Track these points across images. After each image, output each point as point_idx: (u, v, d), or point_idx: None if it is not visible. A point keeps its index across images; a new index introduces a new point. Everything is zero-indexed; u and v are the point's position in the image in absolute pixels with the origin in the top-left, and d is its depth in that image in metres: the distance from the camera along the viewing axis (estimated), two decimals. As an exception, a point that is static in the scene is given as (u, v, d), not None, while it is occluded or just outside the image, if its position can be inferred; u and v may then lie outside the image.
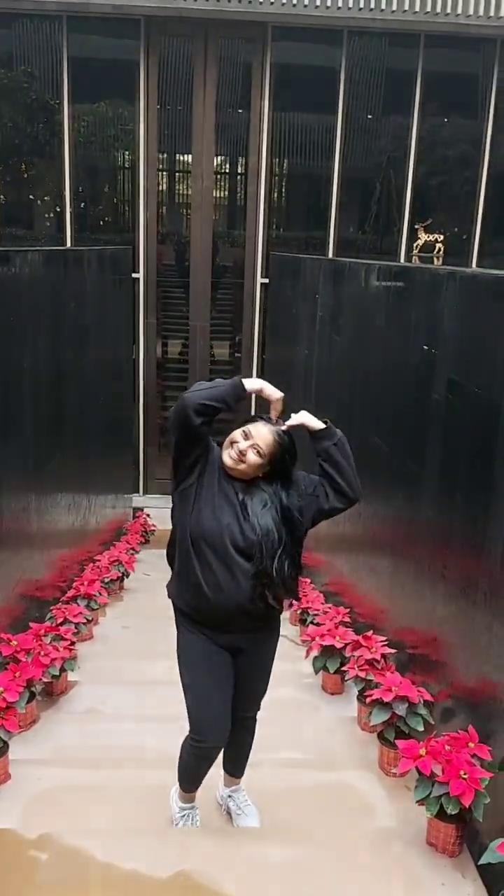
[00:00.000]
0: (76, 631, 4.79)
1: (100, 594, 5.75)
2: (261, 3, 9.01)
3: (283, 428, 2.61)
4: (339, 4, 9.06)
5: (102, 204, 11.36)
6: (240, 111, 10.33)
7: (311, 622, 5.11)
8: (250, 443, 2.56)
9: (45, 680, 3.90)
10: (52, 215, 10.86)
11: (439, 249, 9.69)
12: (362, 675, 3.78)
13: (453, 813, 2.70)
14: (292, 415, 2.66)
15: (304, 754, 3.65)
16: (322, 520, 2.72)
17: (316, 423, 2.69)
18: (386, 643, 3.91)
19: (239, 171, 11.13)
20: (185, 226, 11.04)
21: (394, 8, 9.14)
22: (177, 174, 11.45)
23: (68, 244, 10.36)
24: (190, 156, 10.47)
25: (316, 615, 5.14)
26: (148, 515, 9.67)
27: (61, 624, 4.74)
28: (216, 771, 3.02)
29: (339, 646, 4.18)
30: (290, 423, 2.63)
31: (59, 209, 10.56)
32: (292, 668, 4.81)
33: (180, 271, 11.04)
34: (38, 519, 4.89)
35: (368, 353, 4.89)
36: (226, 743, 2.85)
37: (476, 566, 2.93)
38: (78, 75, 9.97)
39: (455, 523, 3.20)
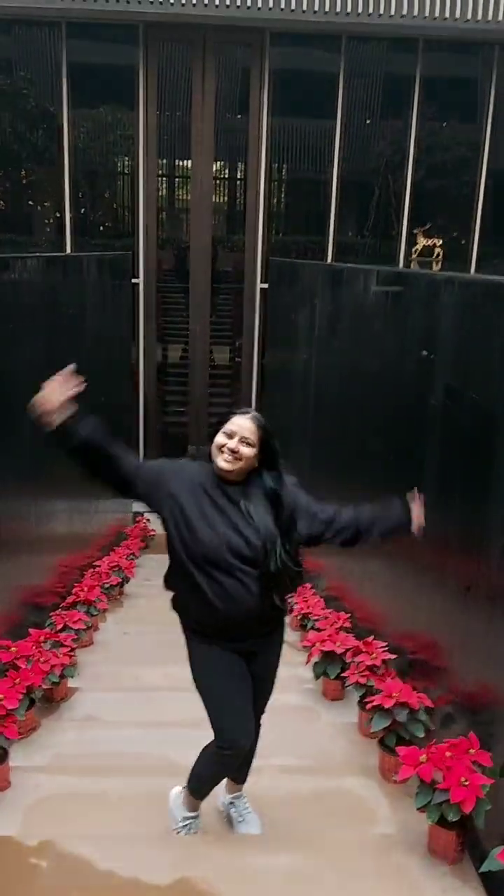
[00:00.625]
0: (76, 637, 4.78)
1: (99, 600, 5.73)
2: (259, 9, 9.03)
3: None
4: (338, 9, 9.09)
5: (102, 210, 11.39)
6: (239, 116, 10.35)
7: (312, 627, 5.10)
8: (237, 437, 2.55)
9: (44, 686, 3.89)
10: (51, 221, 10.89)
11: (438, 254, 9.71)
12: (363, 681, 3.78)
13: (454, 820, 2.69)
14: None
15: (304, 760, 3.64)
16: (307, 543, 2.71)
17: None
18: (386, 649, 3.90)
19: (238, 176, 11.16)
20: (185, 231, 11.06)
21: (392, 13, 9.16)
22: (176, 180, 11.48)
23: (68, 250, 10.37)
24: (189, 161, 10.49)
25: (316, 620, 5.13)
26: (148, 520, 9.65)
27: (61, 630, 4.73)
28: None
29: (339, 651, 4.18)
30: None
31: (58, 215, 10.58)
32: (292, 673, 4.79)
33: (180, 276, 11.06)
34: (37, 524, 4.89)
35: (367, 359, 4.89)
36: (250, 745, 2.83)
37: (475, 571, 2.92)
38: (77, 81, 10.00)
39: (454, 528, 3.20)
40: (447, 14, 9.24)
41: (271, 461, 2.65)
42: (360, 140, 10.39)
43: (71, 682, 4.35)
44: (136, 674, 4.87)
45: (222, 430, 2.57)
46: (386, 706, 3.37)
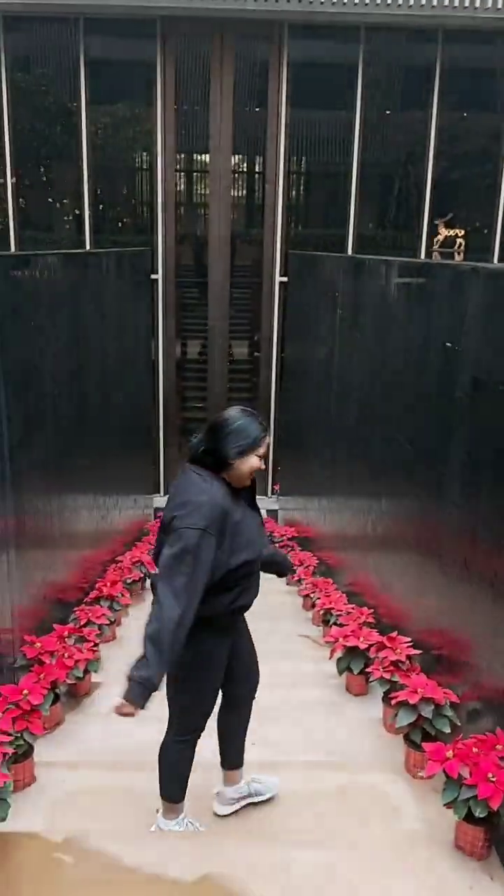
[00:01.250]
0: (99, 632, 4.79)
1: (122, 595, 5.75)
2: (277, 2, 8.98)
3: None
4: (356, 0, 9.01)
5: (121, 205, 11.39)
6: (257, 110, 10.31)
7: (335, 623, 5.08)
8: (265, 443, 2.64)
9: (69, 681, 3.91)
10: (71, 218, 10.91)
11: (460, 245, 9.60)
12: (387, 676, 3.75)
13: (481, 816, 2.67)
14: None
15: (329, 756, 3.62)
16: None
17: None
18: (411, 644, 3.87)
19: (257, 169, 11.11)
20: (204, 226, 11.04)
21: (411, 3, 9.07)
22: (195, 174, 11.46)
23: (87, 246, 10.40)
24: (207, 155, 10.46)
25: (339, 616, 5.10)
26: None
27: (84, 625, 4.75)
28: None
29: (363, 647, 4.15)
30: None
31: (77, 212, 10.61)
32: (316, 668, 4.79)
33: (199, 271, 11.05)
34: (60, 520, 4.91)
35: (390, 351, 4.84)
36: None
37: (502, 564, 2.88)
38: (95, 77, 10.01)
39: (480, 521, 3.16)
40: (466, 3, 9.13)
41: None
42: (380, 131, 10.31)
43: (95, 677, 4.37)
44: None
45: (259, 454, 2.60)
46: (411, 702, 3.34)
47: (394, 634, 3.99)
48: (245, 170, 11.50)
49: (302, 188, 11.60)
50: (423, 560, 3.96)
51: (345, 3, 9.03)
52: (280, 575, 3.12)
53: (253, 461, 2.59)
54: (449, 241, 9.63)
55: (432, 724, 3.29)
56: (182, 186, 11.25)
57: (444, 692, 3.35)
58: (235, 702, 3.01)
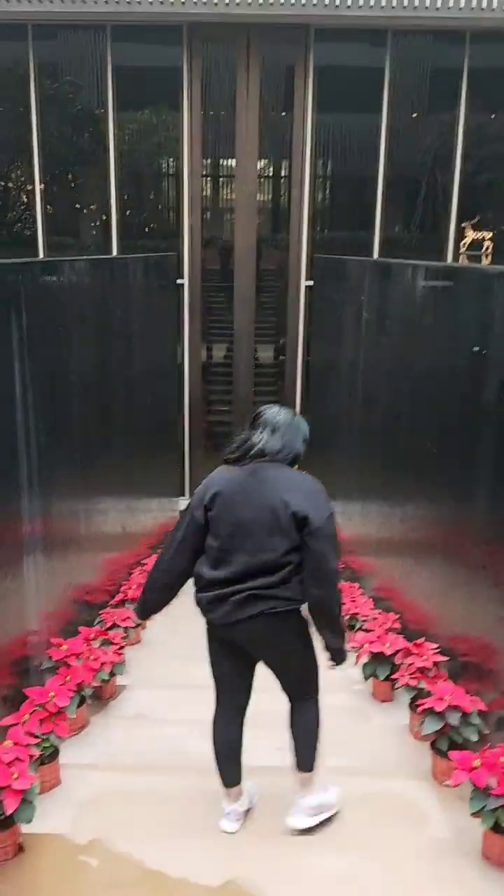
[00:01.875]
0: (125, 635, 4.81)
1: (148, 598, 5.76)
2: (303, 5, 8.98)
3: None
4: (383, 3, 8.98)
5: (147, 211, 11.45)
6: (283, 114, 10.31)
7: (360, 628, 5.05)
8: None
9: (94, 684, 3.93)
10: (98, 223, 11.00)
11: (488, 247, 9.51)
12: (413, 683, 3.72)
13: (510, 827, 2.63)
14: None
15: (355, 762, 3.60)
16: None
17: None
18: (437, 650, 3.83)
19: (283, 174, 11.12)
20: (230, 230, 11.07)
21: (438, 5, 9.02)
22: (221, 179, 11.49)
23: (114, 252, 10.47)
24: (234, 160, 10.49)
25: (365, 621, 5.07)
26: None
27: (110, 628, 4.77)
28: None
29: (388, 653, 4.12)
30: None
31: (104, 217, 10.68)
32: (341, 674, 4.74)
33: (224, 276, 11.06)
34: (86, 523, 4.94)
35: (416, 355, 4.81)
36: None
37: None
38: (122, 84, 10.08)
39: (508, 528, 3.13)
40: (494, 5, 9.06)
41: None
42: (407, 134, 10.25)
43: (120, 680, 4.39)
44: (185, 671, 4.86)
45: None
46: (437, 709, 3.31)
47: (420, 640, 3.96)
48: (271, 174, 11.52)
49: (328, 192, 11.57)
50: (451, 565, 3.92)
51: (371, 6, 9.00)
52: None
53: None
54: (476, 244, 9.55)
55: (459, 733, 3.26)
56: (208, 191, 11.29)
57: (472, 700, 3.31)
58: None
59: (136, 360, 6.91)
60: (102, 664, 4.01)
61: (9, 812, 2.68)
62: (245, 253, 10.61)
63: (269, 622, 2.71)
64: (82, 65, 10.00)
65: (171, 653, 5.37)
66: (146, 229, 11.27)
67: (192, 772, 3.47)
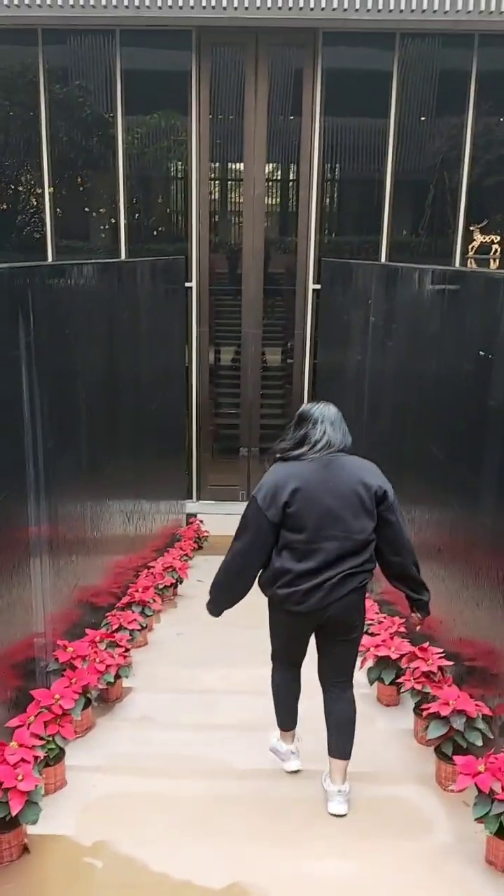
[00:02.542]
0: (131, 637, 4.82)
1: (154, 601, 5.78)
2: (311, 9, 9.00)
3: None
4: (391, 7, 8.99)
5: (156, 214, 11.49)
6: (291, 118, 10.33)
7: (366, 632, 5.04)
8: None
9: (100, 686, 3.94)
10: (107, 227, 11.04)
11: (496, 251, 9.51)
12: (418, 687, 3.71)
13: (514, 832, 2.63)
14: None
15: (359, 767, 3.58)
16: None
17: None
18: (443, 655, 3.83)
19: (291, 177, 11.13)
20: (238, 234, 11.09)
21: (447, 8, 9.02)
22: (229, 183, 11.51)
23: (123, 255, 10.51)
24: (242, 164, 10.51)
25: (370, 625, 5.06)
26: (201, 522, 9.70)
27: (116, 630, 4.79)
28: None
29: (394, 657, 4.12)
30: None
31: (113, 221, 10.73)
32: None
33: (232, 279, 11.09)
34: (93, 525, 4.96)
35: (423, 359, 4.81)
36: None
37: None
38: (131, 88, 10.12)
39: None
40: (503, 7, 9.06)
41: None
42: (415, 138, 10.25)
43: (126, 683, 4.40)
44: (191, 675, 4.89)
45: None
46: (443, 714, 3.30)
47: (425, 645, 3.96)
48: (279, 178, 11.53)
49: (336, 195, 11.59)
50: (456, 570, 3.92)
51: (379, 10, 9.02)
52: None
53: None
54: (484, 248, 9.55)
55: (464, 737, 3.25)
56: (216, 195, 11.32)
57: (477, 704, 3.31)
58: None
59: (144, 363, 6.93)
60: (108, 667, 4.03)
61: (14, 813, 2.69)
62: (253, 256, 10.63)
63: (355, 597, 3.01)
64: (92, 69, 10.05)
65: (178, 656, 5.39)
66: (154, 233, 11.31)
67: (197, 775, 3.48)
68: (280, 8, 8.99)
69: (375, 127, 10.20)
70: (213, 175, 10.83)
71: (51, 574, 3.93)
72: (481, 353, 3.56)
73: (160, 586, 6.39)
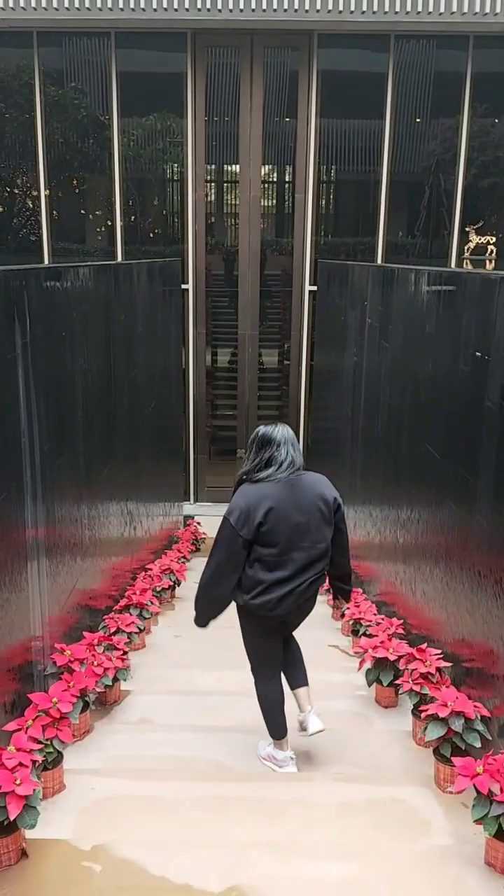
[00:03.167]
0: (128, 640, 4.82)
1: (151, 603, 5.78)
2: (306, 12, 9.02)
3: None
4: (386, 9, 9.01)
5: (152, 216, 11.50)
6: (287, 120, 10.35)
7: (364, 633, 5.05)
8: None
9: (98, 690, 3.93)
10: (103, 229, 11.04)
11: (492, 251, 9.54)
12: (417, 688, 3.71)
13: (513, 833, 2.62)
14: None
15: (358, 769, 3.59)
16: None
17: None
18: (441, 656, 3.83)
19: (287, 179, 11.15)
20: (234, 236, 11.10)
21: (441, 10, 9.04)
22: (225, 185, 11.53)
23: (119, 257, 10.51)
24: (237, 166, 10.53)
25: (368, 626, 5.07)
26: (198, 523, 9.71)
27: (114, 633, 4.78)
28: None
29: (392, 658, 4.12)
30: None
31: (109, 223, 10.73)
32: (345, 679, 4.76)
33: (229, 281, 11.10)
34: (90, 528, 4.95)
35: (419, 360, 4.82)
36: None
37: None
38: (127, 90, 10.13)
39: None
40: (498, 10, 9.08)
41: None
42: (410, 139, 10.28)
43: (124, 686, 4.39)
44: (189, 677, 4.88)
45: None
46: (441, 715, 3.30)
47: (423, 646, 3.96)
48: (275, 179, 11.55)
49: (332, 197, 11.60)
50: (454, 571, 3.92)
51: (374, 12, 9.04)
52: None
53: None
54: (480, 249, 9.57)
55: (462, 739, 3.25)
56: (212, 197, 11.33)
57: (475, 706, 3.30)
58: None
59: (140, 364, 6.93)
60: (106, 669, 4.02)
61: (12, 817, 2.68)
62: (249, 258, 10.64)
63: (315, 594, 3.47)
64: (87, 71, 10.06)
65: (176, 658, 5.38)
66: (151, 235, 11.32)
67: (196, 777, 3.48)
68: (275, 10, 9.01)
69: (371, 128, 10.22)
70: (208, 177, 10.84)
71: (48, 577, 3.93)
72: (477, 353, 3.56)
73: (158, 589, 6.39)
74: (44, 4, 9.07)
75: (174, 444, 9.78)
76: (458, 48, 9.79)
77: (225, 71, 10.09)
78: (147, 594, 5.81)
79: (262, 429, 3.34)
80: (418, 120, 10.29)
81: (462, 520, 3.82)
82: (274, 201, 11.65)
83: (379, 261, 10.44)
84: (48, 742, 3.20)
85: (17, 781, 2.73)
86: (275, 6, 8.99)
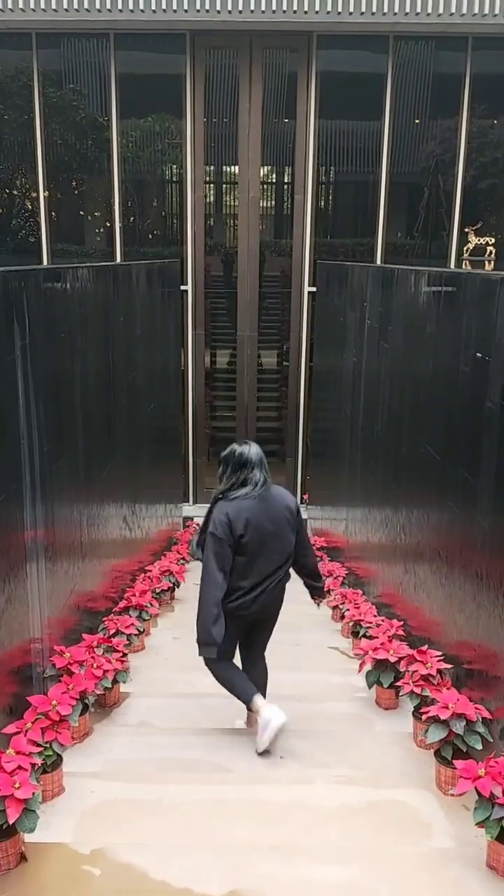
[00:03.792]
0: (128, 642, 4.80)
1: (151, 605, 5.77)
2: (305, 13, 9.02)
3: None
4: (385, 10, 9.01)
5: (151, 217, 11.50)
6: (286, 121, 10.35)
7: (364, 635, 5.03)
8: None
9: (97, 692, 3.92)
10: (102, 230, 11.04)
11: (491, 252, 9.54)
12: (417, 690, 3.70)
13: (514, 836, 2.61)
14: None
15: (359, 771, 3.58)
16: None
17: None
18: (442, 658, 3.81)
19: (285, 180, 11.15)
20: (233, 237, 11.10)
21: (440, 11, 9.04)
22: (224, 186, 11.53)
23: (118, 258, 10.51)
24: (236, 167, 10.52)
25: (369, 628, 5.06)
26: (198, 525, 9.69)
27: (114, 635, 4.77)
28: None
29: (392, 660, 4.10)
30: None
31: (108, 224, 10.73)
32: (345, 681, 4.75)
33: (228, 282, 11.10)
34: (89, 530, 4.94)
35: (418, 361, 4.81)
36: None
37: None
38: (125, 91, 10.13)
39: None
40: (497, 10, 9.08)
41: None
42: (409, 140, 10.28)
43: (123, 688, 4.38)
44: (189, 679, 4.86)
45: None
46: (442, 717, 3.29)
47: (424, 648, 3.95)
48: (274, 181, 11.55)
49: (331, 198, 11.61)
50: (454, 572, 3.91)
51: (373, 13, 9.04)
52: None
53: None
54: (479, 249, 9.57)
55: (464, 741, 3.24)
56: (211, 198, 11.33)
57: (476, 708, 3.29)
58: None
59: (140, 366, 6.92)
60: (105, 672, 4.01)
61: (11, 821, 2.66)
62: (248, 259, 10.63)
63: (282, 591, 3.82)
64: (86, 73, 10.06)
65: (176, 660, 5.36)
66: (150, 236, 11.31)
67: (196, 781, 3.46)
68: (274, 11, 9.01)
69: (370, 129, 10.23)
70: (207, 178, 10.84)
71: (47, 579, 3.91)
72: (478, 354, 3.55)
73: (157, 590, 6.38)
74: (42, 6, 9.06)
75: (173, 445, 9.77)
76: (457, 49, 9.80)
77: (224, 72, 10.09)
78: (146, 596, 5.79)
79: (237, 449, 3.67)
80: (417, 121, 10.29)
81: (462, 521, 3.81)
82: (273, 202, 11.65)
83: (378, 262, 10.44)
84: (47, 745, 3.19)
85: (17, 785, 2.72)
86: (273, 7, 8.99)
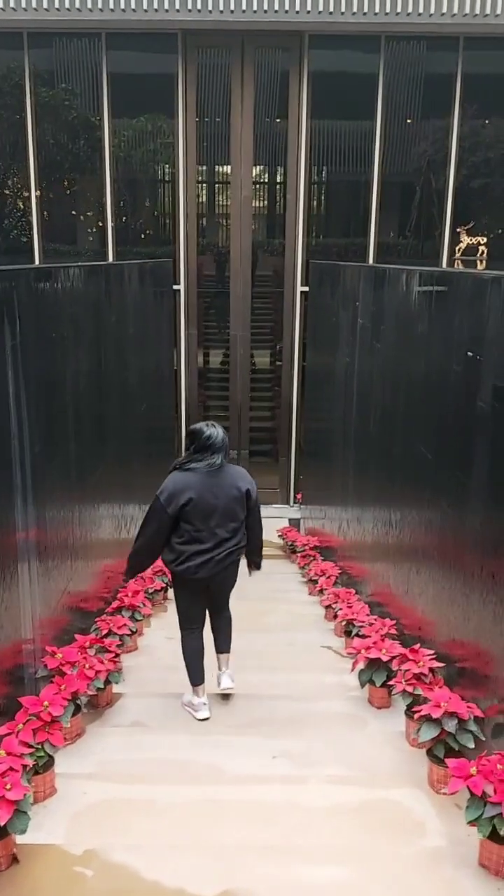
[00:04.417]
0: (121, 643, 4.79)
1: (143, 605, 5.75)
2: (297, 13, 9.02)
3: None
4: (377, 10, 9.02)
5: (143, 217, 11.49)
6: (278, 120, 10.35)
7: (357, 634, 5.04)
8: None
9: (90, 692, 3.90)
10: (94, 230, 11.02)
11: (482, 252, 9.56)
12: (410, 689, 3.70)
13: (507, 834, 2.61)
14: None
15: (351, 770, 3.58)
16: None
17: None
18: (434, 657, 3.82)
19: (278, 180, 11.15)
20: (225, 236, 11.10)
21: (431, 11, 9.06)
22: (216, 185, 11.53)
23: (110, 258, 10.49)
24: (229, 167, 10.52)
25: (361, 627, 5.06)
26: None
27: (106, 635, 4.75)
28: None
29: (385, 659, 4.10)
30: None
31: (101, 224, 10.71)
32: (337, 680, 4.75)
33: (221, 281, 11.09)
34: (82, 530, 4.93)
35: (411, 360, 4.81)
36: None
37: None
38: (117, 91, 10.11)
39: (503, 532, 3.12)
40: (487, 11, 9.11)
41: None
42: (401, 140, 10.30)
43: (116, 688, 4.36)
44: (182, 679, 4.85)
45: None
46: (434, 716, 3.29)
47: (416, 646, 3.95)
48: (266, 180, 11.55)
49: (323, 198, 11.62)
50: (446, 571, 3.91)
51: (365, 13, 9.05)
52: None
53: None
54: (471, 249, 9.59)
55: (456, 739, 3.24)
56: (203, 198, 11.32)
57: (468, 706, 3.30)
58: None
59: (132, 365, 6.90)
60: (98, 672, 3.99)
61: (2, 823, 2.66)
62: (241, 258, 10.63)
63: (233, 564, 4.18)
64: (78, 72, 10.04)
65: (168, 660, 5.34)
66: (142, 236, 11.30)
67: (189, 780, 3.46)
68: (266, 11, 9.02)
69: (362, 129, 10.24)
70: (200, 178, 10.84)
71: (39, 579, 3.90)
72: (469, 354, 3.56)
73: (150, 590, 6.36)
74: (34, 5, 9.04)
75: (166, 445, 9.75)
76: (449, 49, 9.82)
77: (216, 72, 10.09)
78: (139, 596, 5.78)
79: (206, 432, 4.01)
80: (409, 121, 10.31)
81: (454, 520, 3.82)
82: (265, 202, 11.66)
83: (370, 261, 10.45)
84: (39, 746, 3.18)
85: (8, 786, 2.71)
86: (266, 7, 8.99)
